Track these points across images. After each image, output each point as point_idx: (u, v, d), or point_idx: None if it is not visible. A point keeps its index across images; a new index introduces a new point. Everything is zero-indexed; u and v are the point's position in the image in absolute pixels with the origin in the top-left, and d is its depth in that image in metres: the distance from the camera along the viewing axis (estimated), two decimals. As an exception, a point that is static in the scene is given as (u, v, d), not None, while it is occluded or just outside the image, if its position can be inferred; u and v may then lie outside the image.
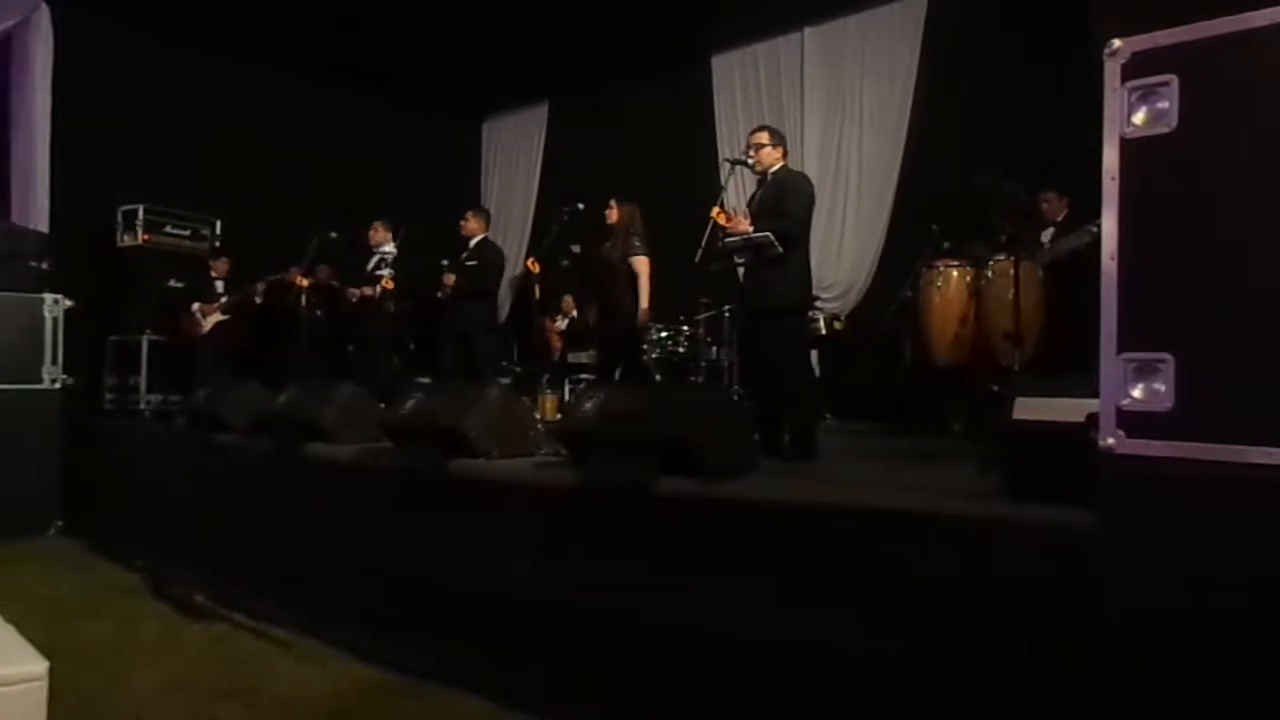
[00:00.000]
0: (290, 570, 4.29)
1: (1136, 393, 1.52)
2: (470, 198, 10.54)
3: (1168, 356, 1.50)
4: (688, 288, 6.33)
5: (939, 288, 5.39)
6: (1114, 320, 1.54)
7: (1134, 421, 1.53)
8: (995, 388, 5.32)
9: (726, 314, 6.27)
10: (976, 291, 5.18)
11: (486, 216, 6.95)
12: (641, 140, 8.60)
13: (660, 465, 2.96)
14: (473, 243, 6.59)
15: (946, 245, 5.55)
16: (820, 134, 7.83)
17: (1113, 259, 1.54)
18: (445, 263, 6.69)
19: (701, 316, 6.59)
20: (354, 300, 6.75)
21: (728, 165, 4.34)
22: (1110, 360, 1.55)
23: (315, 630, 3.78)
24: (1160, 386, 1.50)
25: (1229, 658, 1.47)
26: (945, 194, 6.24)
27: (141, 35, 7.67)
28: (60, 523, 5.83)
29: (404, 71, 8.93)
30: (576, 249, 6.52)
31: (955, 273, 5.35)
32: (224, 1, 7.37)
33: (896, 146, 7.32)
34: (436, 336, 7.20)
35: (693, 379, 6.46)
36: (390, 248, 6.29)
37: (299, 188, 8.26)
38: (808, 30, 7.89)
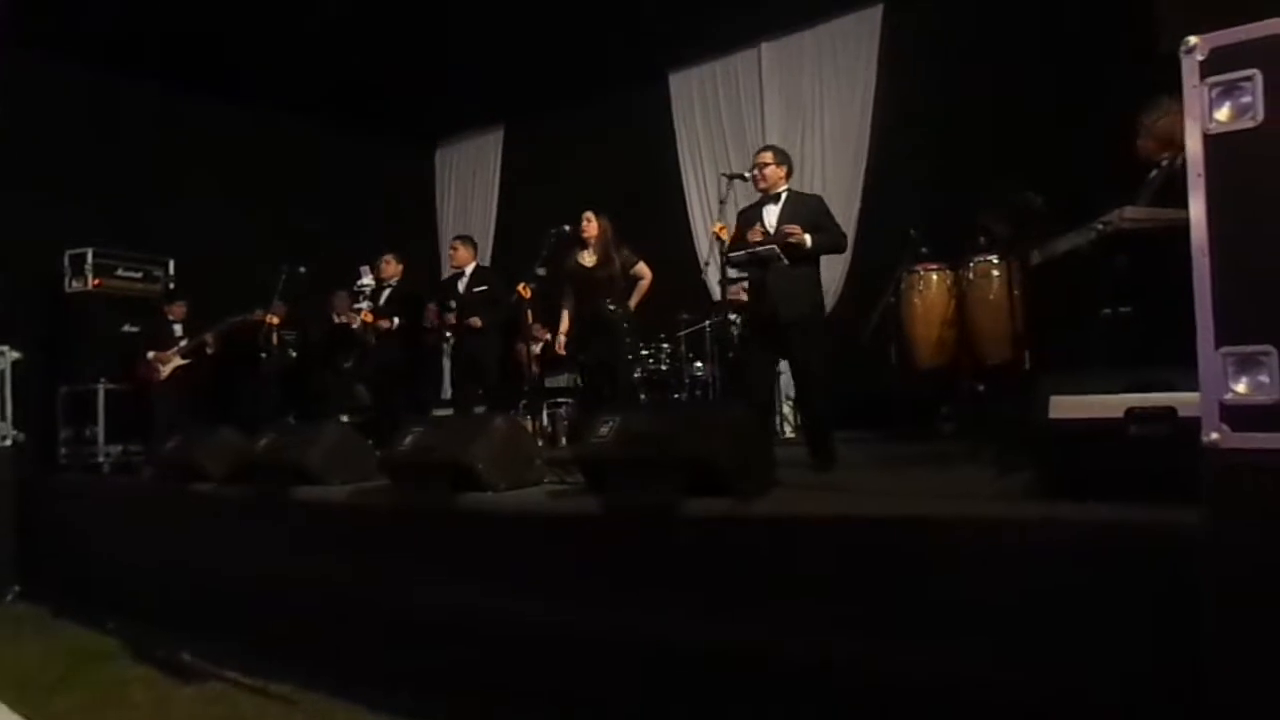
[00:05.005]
0: (283, 623, 4.09)
1: (1240, 387, 1.51)
2: (425, 226, 10.42)
3: (1271, 349, 1.49)
4: (663, 304, 6.27)
5: (920, 291, 5.42)
6: (1209, 314, 1.54)
7: (1239, 415, 1.52)
8: (980, 388, 5.37)
9: (708, 328, 6.22)
10: (959, 294, 5.23)
11: (474, 244, 6.97)
12: (601, 160, 8.54)
13: (685, 487, 2.89)
14: (469, 270, 6.49)
15: (924, 250, 5.58)
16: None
17: (1204, 253, 1.53)
18: (441, 305, 6.51)
19: (682, 333, 6.52)
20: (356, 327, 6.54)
21: (725, 180, 4.32)
22: (1208, 355, 1.54)
23: (319, 685, 3.59)
24: (1265, 378, 1.49)
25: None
26: (919, 196, 6.32)
27: (81, 73, 7.42)
28: (17, 588, 5.52)
29: (354, 101, 8.74)
30: (541, 271, 6.42)
31: (935, 276, 5.39)
32: (167, 37, 7.14)
33: (859, 155, 7.38)
34: (420, 370, 6.97)
35: (675, 396, 6.39)
36: (369, 280, 6.12)
37: (251, 223, 8.04)
38: (764, 45, 7.94)
